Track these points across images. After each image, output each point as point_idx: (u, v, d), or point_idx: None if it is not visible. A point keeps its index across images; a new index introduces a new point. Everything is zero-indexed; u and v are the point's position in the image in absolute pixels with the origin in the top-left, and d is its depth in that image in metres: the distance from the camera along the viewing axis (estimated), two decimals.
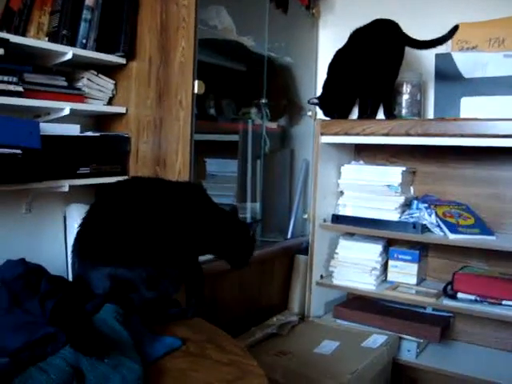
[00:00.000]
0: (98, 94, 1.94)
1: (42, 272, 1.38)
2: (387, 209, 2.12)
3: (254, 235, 1.54)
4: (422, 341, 2.09)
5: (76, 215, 1.92)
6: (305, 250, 2.36)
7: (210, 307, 1.89)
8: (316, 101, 2.20)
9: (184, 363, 1.11)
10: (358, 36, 2.13)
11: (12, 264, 1.36)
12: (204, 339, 1.23)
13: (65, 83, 1.82)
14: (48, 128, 1.72)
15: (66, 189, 1.76)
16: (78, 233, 1.29)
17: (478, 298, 1.92)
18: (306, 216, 2.54)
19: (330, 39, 2.56)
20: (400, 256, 2.21)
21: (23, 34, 1.66)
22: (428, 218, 2.04)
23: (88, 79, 1.88)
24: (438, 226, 2.02)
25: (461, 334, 2.22)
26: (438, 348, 2.13)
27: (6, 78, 1.58)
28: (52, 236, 1.95)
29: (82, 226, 1.30)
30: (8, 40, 1.56)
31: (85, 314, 1.11)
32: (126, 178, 1.95)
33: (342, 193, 2.28)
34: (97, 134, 1.90)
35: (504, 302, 1.87)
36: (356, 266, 2.20)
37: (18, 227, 1.85)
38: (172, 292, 1.33)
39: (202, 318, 1.38)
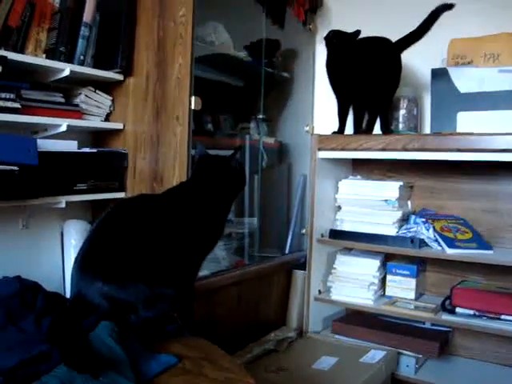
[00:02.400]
0: (95, 110, 1.95)
1: (38, 289, 1.38)
2: (385, 223, 2.12)
3: (240, 165, 1.51)
4: (420, 356, 2.07)
5: (73, 231, 1.92)
6: (302, 265, 2.35)
7: (208, 323, 1.88)
8: None
9: (180, 381, 1.10)
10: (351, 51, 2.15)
11: (7, 281, 1.37)
12: (200, 356, 1.22)
13: (62, 100, 1.83)
14: (45, 144, 1.73)
15: (63, 205, 1.76)
16: (79, 251, 1.28)
17: (477, 313, 1.91)
18: (303, 231, 2.54)
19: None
20: (398, 271, 2.20)
21: (21, 51, 1.67)
22: (426, 233, 2.04)
23: (85, 95, 1.89)
24: (436, 240, 2.02)
25: (460, 349, 2.21)
26: (437, 363, 2.11)
27: (3, 95, 1.59)
28: (49, 252, 1.95)
29: (83, 244, 1.29)
30: (6, 57, 1.57)
31: (80, 331, 1.10)
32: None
33: (339, 208, 2.28)
34: (94, 150, 1.91)
35: (503, 317, 1.87)
36: (354, 281, 2.19)
37: (15, 243, 1.84)
38: (169, 311, 1.32)
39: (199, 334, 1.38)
